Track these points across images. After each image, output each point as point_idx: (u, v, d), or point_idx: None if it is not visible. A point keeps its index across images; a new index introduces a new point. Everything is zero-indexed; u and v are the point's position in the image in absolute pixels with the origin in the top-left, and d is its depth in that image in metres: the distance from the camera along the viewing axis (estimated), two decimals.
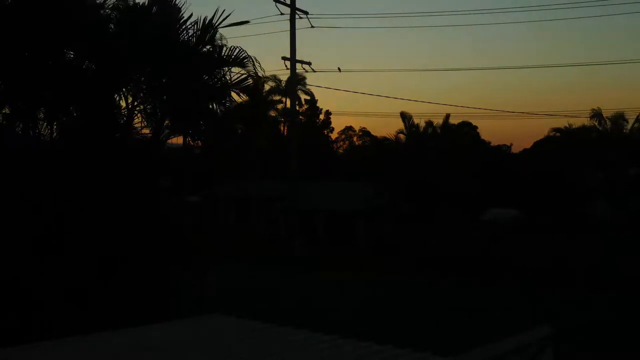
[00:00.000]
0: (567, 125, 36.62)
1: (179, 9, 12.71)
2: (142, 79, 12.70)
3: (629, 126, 34.69)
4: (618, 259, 18.33)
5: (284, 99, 35.17)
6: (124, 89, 12.45)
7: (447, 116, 39.14)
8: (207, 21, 12.78)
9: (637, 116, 34.71)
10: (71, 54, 12.28)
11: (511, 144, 48.71)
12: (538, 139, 40.21)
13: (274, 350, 5.22)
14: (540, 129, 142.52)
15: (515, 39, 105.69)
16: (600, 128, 35.21)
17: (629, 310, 13.93)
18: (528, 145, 42.64)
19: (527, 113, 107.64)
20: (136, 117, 12.68)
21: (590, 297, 15.22)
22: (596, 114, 35.02)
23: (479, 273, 18.17)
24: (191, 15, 12.85)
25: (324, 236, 30.80)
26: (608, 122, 34.77)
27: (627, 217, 25.85)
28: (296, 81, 33.50)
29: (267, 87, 33.17)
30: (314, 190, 31.28)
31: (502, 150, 46.88)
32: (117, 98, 12.48)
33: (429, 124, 39.09)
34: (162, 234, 11.61)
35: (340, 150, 51.20)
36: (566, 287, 16.06)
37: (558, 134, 36.50)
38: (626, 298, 15.08)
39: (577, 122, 36.75)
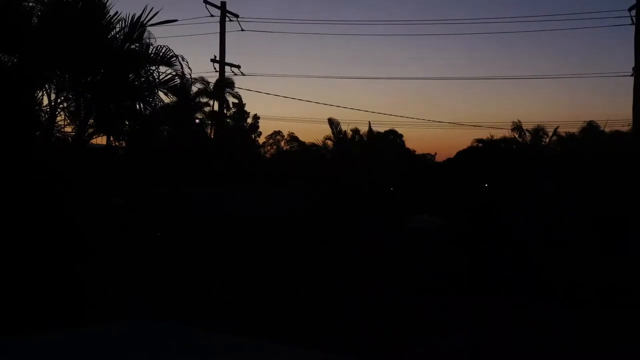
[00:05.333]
0: (490, 137, 37.59)
1: (106, 5, 12.46)
2: (66, 75, 12.36)
3: (548, 139, 35.92)
4: None
5: (211, 102, 34.81)
6: (47, 86, 12.08)
7: (369, 124, 39.73)
8: (135, 19, 12.58)
9: (554, 130, 35.96)
10: None
11: (435, 153, 49.56)
12: (461, 149, 41.08)
13: (198, 358, 5.12)
14: (465, 139, 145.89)
15: (443, 50, 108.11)
16: (520, 140, 36.30)
17: None
18: (452, 155, 43.53)
19: (453, 123, 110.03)
20: (59, 115, 12.33)
21: None
22: (517, 127, 36.13)
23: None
24: (118, 12, 12.63)
25: None
26: (528, 135, 35.92)
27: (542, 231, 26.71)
28: (225, 84, 33.26)
29: (194, 89, 32.74)
30: (241, 194, 31.10)
31: (427, 159, 47.73)
32: (40, 95, 12.11)
33: (356, 131, 39.52)
34: (60, 235, 11.15)
35: (268, 155, 51.01)
36: None
37: (480, 145, 37.43)
38: None
39: (499, 134, 37.83)
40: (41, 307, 9.63)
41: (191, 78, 16.49)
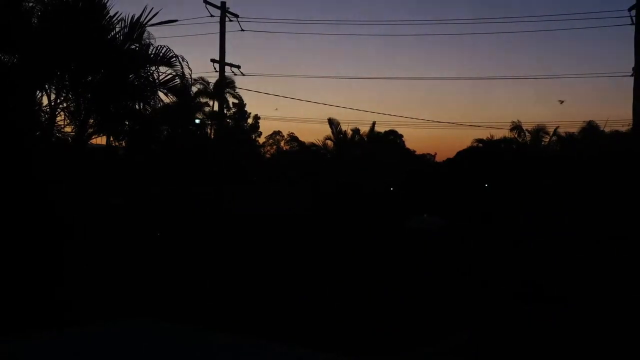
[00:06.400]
0: (490, 137, 37.56)
1: (106, 5, 12.46)
2: (66, 75, 12.35)
3: (548, 139, 35.90)
4: None
5: (211, 102, 34.79)
6: (46, 86, 12.07)
7: (373, 124, 39.75)
8: (134, 19, 12.59)
9: (554, 130, 35.97)
10: None
11: (435, 153, 49.51)
12: (461, 149, 41.04)
13: (198, 357, 5.08)
14: (465, 139, 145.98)
15: (444, 50, 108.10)
16: (520, 140, 36.29)
17: None
18: (452, 155, 43.49)
19: (453, 123, 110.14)
20: (59, 115, 12.32)
21: None
22: (516, 127, 36.12)
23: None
24: (118, 12, 12.63)
25: None
26: (528, 135, 35.91)
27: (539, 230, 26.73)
28: (225, 84, 33.23)
29: (195, 89, 32.73)
30: (241, 194, 31.10)
31: (427, 159, 47.68)
32: (40, 95, 12.10)
33: (356, 131, 39.53)
34: (58, 234, 11.10)
35: (268, 155, 50.99)
36: None
37: (480, 145, 37.40)
38: None
39: (499, 134, 37.78)
40: (41, 307, 9.62)
41: (191, 78, 16.48)
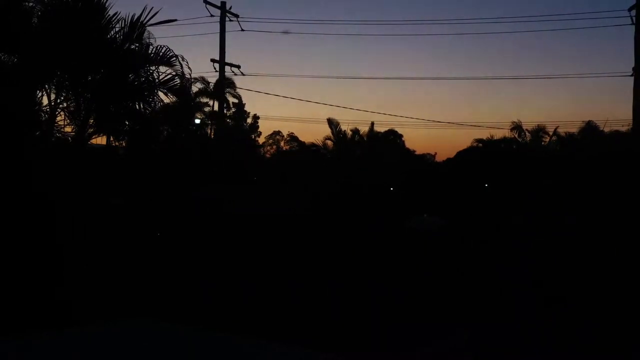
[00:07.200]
0: (489, 137, 37.52)
1: (106, 5, 12.46)
2: (66, 75, 12.35)
3: (548, 139, 35.89)
4: None
5: (211, 102, 34.80)
6: (46, 86, 12.07)
7: (372, 124, 39.77)
8: (134, 19, 12.59)
9: (554, 130, 35.99)
10: None
11: (435, 153, 49.39)
12: (461, 149, 40.97)
13: (198, 357, 5.08)
14: (465, 139, 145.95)
15: (443, 50, 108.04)
16: (520, 140, 36.28)
17: None
18: (452, 155, 43.43)
19: (453, 123, 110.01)
20: (59, 115, 12.32)
21: None
22: (516, 127, 36.10)
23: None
24: (118, 12, 12.63)
25: None
26: (528, 135, 35.91)
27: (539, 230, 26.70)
28: (225, 84, 33.27)
29: (195, 89, 32.75)
30: (241, 194, 31.10)
31: (427, 159, 47.61)
32: (40, 95, 12.10)
33: (356, 131, 39.51)
34: (56, 234, 11.09)
35: (268, 155, 50.90)
36: None
37: (480, 145, 37.37)
38: None
39: (499, 134, 37.72)
40: (41, 307, 9.61)
41: (191, 78, 16.48)
